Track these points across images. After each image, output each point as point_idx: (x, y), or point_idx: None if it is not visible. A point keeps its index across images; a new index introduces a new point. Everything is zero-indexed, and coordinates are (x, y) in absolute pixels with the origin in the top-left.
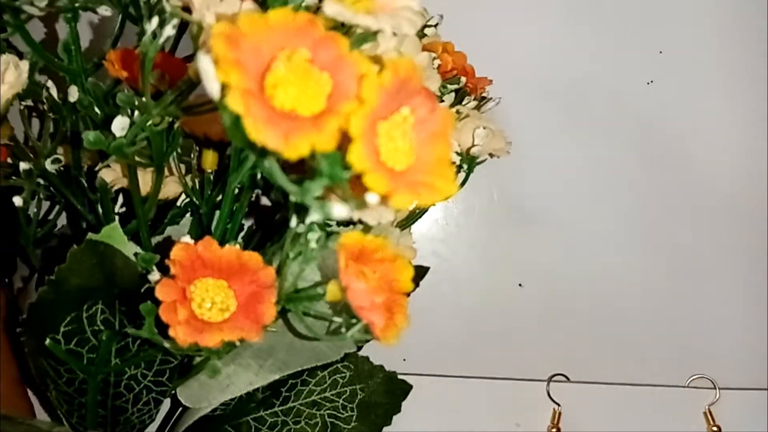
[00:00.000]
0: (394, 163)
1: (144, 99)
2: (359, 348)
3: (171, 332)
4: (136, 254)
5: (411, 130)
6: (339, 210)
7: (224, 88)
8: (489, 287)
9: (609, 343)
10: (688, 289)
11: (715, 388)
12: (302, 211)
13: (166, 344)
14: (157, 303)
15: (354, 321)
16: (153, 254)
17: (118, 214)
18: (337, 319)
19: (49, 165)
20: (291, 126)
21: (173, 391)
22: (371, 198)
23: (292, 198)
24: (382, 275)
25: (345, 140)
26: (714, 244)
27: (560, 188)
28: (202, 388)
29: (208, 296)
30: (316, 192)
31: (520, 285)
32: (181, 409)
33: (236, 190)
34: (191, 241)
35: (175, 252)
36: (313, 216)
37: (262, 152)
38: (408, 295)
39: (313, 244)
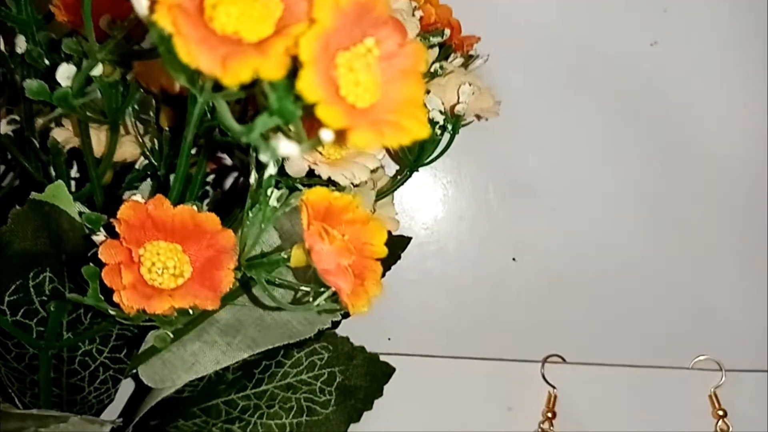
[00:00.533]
0: (356, 99)
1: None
2: (336, 325)
3: (115, 297)
4: (81, 214)
5: (376, 64)
6: (286, 146)
7: (153, 3)
8: (480, 262)
9: (608, 323)
10: (692, 267)
11: (720, 370)
12: (262, 167)
13: (112, 311)
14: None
15: (322, 290)
16: (100, 214)
17: (73, 179)
18: (305, 288)
19: (4, 126)
20: (231, 50)
21: (135, 371)
22: (325, 134)
23: (239, 137)
24: (352, 237)
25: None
26: (720, 219)
27: (557, 158)
28: (165, 367)
29: (160, 260)
30: (262, 128)
31: (513, 260)
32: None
33: (192, 146)
34: (142, 200)
35: (123, 211)
36: (263, 157)
37: (197, 78)
38: (388, 266)
39: (273, 201)
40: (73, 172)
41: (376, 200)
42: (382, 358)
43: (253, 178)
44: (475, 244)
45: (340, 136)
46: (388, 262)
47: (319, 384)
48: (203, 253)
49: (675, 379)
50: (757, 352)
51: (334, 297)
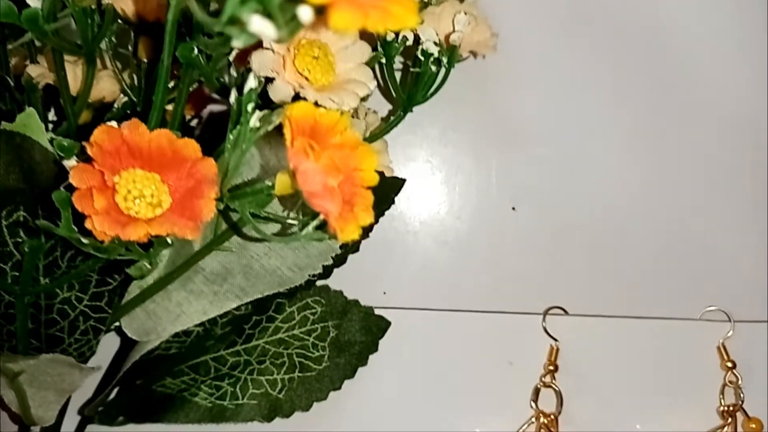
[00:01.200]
0: None
1: None
2: (328, 272)
3: (87, 224)
4: (52, 141)
5: None
6: (259, 23)
7: None
8: (478, 211)
9: (611, 274)
10: (699, 217)
11: (729, 321)
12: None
13: (85, 241)
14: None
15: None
16: (73, 141)
17: (51, 122)
18: (292, 221)
19: None
20: None
21: (118, 324)
22: (304, 12)
23: (211, 29)
24: (341, 161)
25: None
26: (730, 164)
27: (559, 104)
28: (149, 318)
29: (136, 188)
30: (233, 11)
31: (513, 209)
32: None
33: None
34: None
35: (96, 134)
36: (236, 42)
37: None
38: (382, 211)
39: (254, 122)
40: (51, 116)
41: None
42: (377, 312)
43: (233, 97)
44: (473, 193)
45: (322, 18)
46: (381, 206)
47: (311, 339)
48: (183, 183)
49: (682, 330)
50: (766, 303)
51: (323, 228)
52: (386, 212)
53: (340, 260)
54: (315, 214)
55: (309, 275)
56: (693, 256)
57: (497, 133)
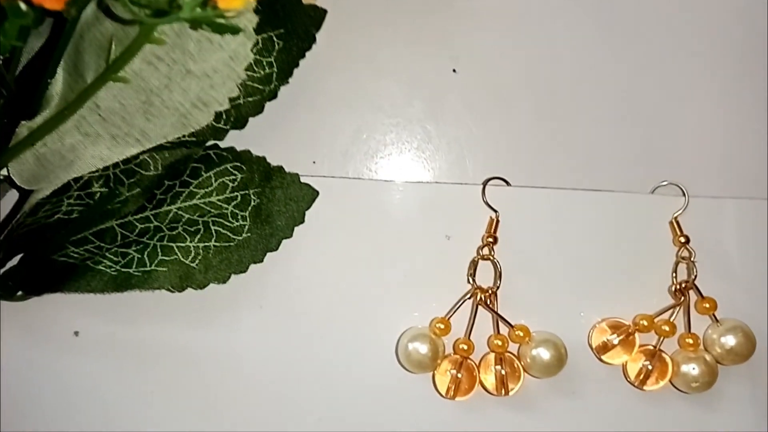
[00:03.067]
0: None
1: None
2: (241, 122)
3: None
4: None
5: None
6: None
7: None
8: (416, 72)
9: (558, 143)
10: (655, 84)
11: (684, 195)
12: None
13: None
14: None
15: None
16: None
17: None
18: None
19: None
20: None
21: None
22: None
23: None
24: None
25: None
26: (689, 30)
27: None
28: (40, 164)
29: None
30: None
31: (454, 71)
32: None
33: None
34: None
35: None
36: None
37: None
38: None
39: None
40: None
41: None
42: (304, 180)
43: None
44: (410, 51)
45: None
46: (302, 43)
47: (230, 208)
48: None
49: (633, 204)
50: (721, 178)
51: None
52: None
53: (255, 108)
54: None
55: (215, 112)
56: (646, 125)
57: None
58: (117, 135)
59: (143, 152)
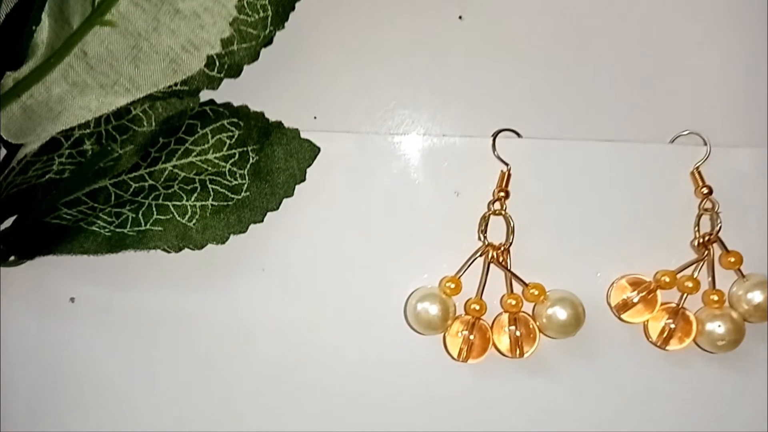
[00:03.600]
0: None
1: None
2: (234, 70)
3: None
4: None
5: None
6: None
7: None
8: (421, 19)
9: (571, 92)
10: (674, 29)
11: (706, 144)
12: None
13: None
14: None
15: None
16: None
17: None
18: None
19: None
20: None
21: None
22: None
23: None
24: None
25: None
26: None
27: None
28: (27, 116)
29: None
30: None
31: (460, 18)
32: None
33: None
34: None
35: None
36: None
37: None
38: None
39: None
40: None
41: None
42: (304, 135)
43: None
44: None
45: None
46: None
47: (228, 166)
48: None
49: (653, 154)
50: (744, 128)
51: None
52: None
53: (250, 55)
54: None
55: (207, 56)
56: (665, 73)
57: None
58: (105, 84)
59: (135, 105)
